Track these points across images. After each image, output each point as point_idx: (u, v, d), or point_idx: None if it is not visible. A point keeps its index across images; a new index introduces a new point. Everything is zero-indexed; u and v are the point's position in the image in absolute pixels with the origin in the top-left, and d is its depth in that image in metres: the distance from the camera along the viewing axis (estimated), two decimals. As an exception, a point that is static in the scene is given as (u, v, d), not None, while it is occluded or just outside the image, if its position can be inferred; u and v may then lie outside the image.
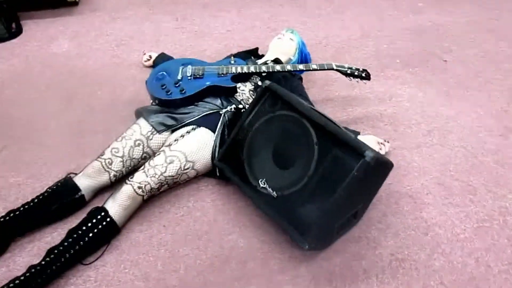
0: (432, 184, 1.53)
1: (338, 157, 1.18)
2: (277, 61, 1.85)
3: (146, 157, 1.52)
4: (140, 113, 1.60)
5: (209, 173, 1.55)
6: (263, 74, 1.70)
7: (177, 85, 1.61)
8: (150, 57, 2.11)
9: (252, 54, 1.93)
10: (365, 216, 1.39)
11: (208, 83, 1.61)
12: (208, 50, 2.25)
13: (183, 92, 1.58)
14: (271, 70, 1.65)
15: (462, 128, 1.77)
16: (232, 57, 1.73)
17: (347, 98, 1.93)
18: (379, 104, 1.89)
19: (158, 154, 1.43)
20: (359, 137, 1.63)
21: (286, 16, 2.55)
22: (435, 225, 1.39)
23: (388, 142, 1.64)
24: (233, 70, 1.65)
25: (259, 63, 1.79)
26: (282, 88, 1.40)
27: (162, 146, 1.51)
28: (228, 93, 1.63)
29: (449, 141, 1.71)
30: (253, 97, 1.68)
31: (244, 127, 1.43)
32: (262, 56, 1.98)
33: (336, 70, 1.69)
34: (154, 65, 2.09)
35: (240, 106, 1.62)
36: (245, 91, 1.68)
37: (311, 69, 1.67)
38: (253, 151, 1.39)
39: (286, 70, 1.66)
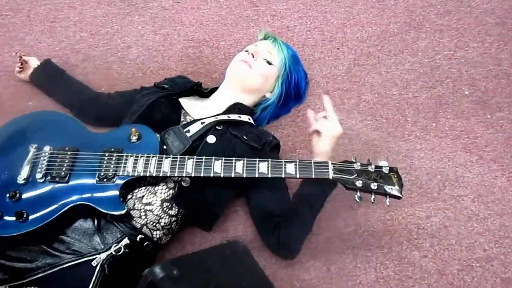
0: None
1: None
2: (233, 110, 0.97)
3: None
4: None
5: None
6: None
7: (14, 198, 0.78)
8: (25, 63, 1.18)
9: (194, 93, 1.03)
10: None
11: (75, 199, 0.78)
12: (134, 48, 1.29)
13: (22, 219, 0.77)
14: (202, 175, 0.78)
15: None
16: (134, 130, 0.84)
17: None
18: (418, 201, 1.02)
19: None
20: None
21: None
22: None
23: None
24: (128, 170, 0.80)
25: (192, 128, 0.90)
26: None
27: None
28: (114, 217, 0.81)
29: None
30: (169, 214, 0.85)
31: None
32: (212, 91, 1.06)
33: (335, 180, 0.80)
34: (30, 80, 1.19)
35: (141, 237, 0.82)
36: (152, 205, 0.84)
37: (283, 175, 0.78)
38: None
39: (243, 174, 0.78)
